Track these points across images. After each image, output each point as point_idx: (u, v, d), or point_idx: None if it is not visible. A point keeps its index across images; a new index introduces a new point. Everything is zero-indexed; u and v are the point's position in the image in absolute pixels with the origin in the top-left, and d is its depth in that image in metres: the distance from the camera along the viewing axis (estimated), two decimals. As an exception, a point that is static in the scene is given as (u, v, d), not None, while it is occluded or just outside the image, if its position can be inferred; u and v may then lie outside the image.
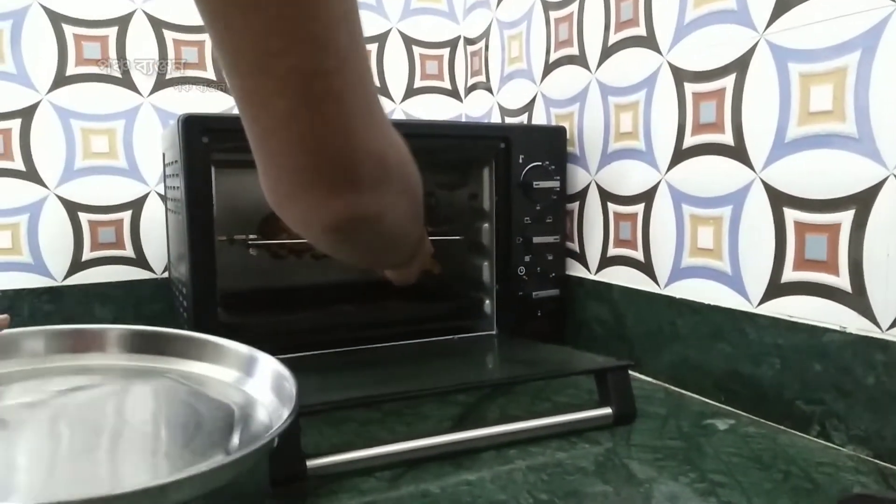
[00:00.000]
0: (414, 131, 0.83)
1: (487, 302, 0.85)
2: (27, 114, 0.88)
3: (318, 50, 0.29)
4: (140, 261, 0.94)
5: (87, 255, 0.92)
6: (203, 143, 0.68)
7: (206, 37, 0.95)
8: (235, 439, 0.44)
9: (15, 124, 0.87)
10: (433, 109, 1.10)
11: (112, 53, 0.91)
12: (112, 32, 0.91)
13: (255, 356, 0.53)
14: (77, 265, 0.91)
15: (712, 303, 0.68)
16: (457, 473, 0.52)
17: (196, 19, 0.83)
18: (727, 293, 0.66)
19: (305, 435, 0.58)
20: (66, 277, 0.91)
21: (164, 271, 0.95)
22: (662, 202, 0.73)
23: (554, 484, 0.50)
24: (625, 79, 0.77)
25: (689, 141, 0.70)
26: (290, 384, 0.47)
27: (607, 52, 0.80)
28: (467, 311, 0.87)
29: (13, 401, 0.48)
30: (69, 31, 0.89)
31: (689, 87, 0.69)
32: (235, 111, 0.88)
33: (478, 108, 1.08)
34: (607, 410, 0.61)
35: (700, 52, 0.68)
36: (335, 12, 0.29)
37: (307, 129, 0.30)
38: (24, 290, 0.88)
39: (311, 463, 0.50)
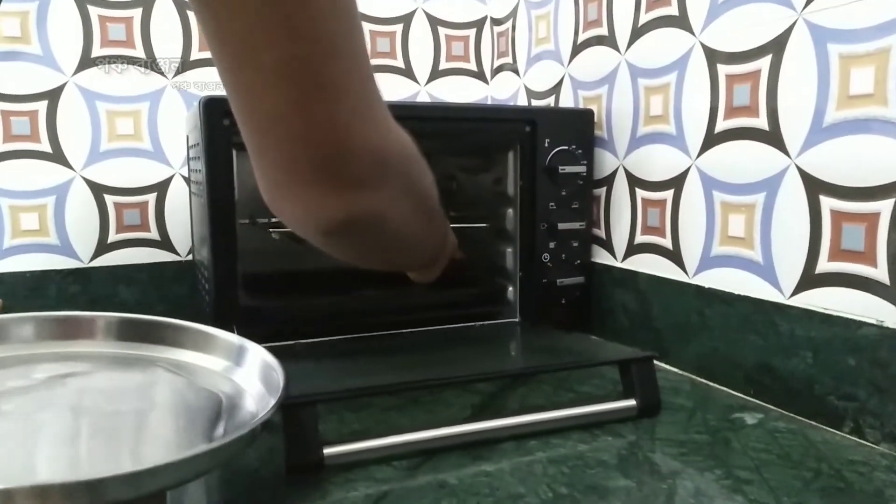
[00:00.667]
0: (437, 114, 0.82)
1: (511, 289, 0.84)
2: (53, 96, 0.88)
3: (306, 40, 0.28)
4: (164, 243, 0.94)
5: (113, 236, 0.92)
6: (224, 125, 0.68)
7: (230, 18, 0.94)
8: (220, 429, 0.43)
9: (41, 106, 0.88)
10: (459, 91, 1.08)
11: (137, 35, 0.91)
12: (137, 14, 0.91)
13: (245, 346, 0.53)
14: (103, 247, 0.92)
15: (742, 293, 0.66)
16: (475, 464, 0.51)
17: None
18: (758, 283, 0.64)
19: (326, 421, 0.58)
20: (92, 259, 0.91)
21: (188, 254, 0.95)
22: (692, 188, 0.71)
23: (574, 477, 0.49)
24: (655, 60, 0.75)
25: (722, 125, 0.67)
26: (279, 374, 0.46)
27: (637, 32, 0.77)
28: (490, 297, 0.85)
29: (1, 386, 0.48)
30: (94, 12, 0.89)
31: (723, 69, 0.67)
32: None
33: (504, 91, 1.06)
34: (631, 402, 0.60)
35: (734, 31, 0.65)
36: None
37: (298, 124, 0.29)
38: (51, 271, 0.89)
39: (327, 451, 0.50)
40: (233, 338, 0.54)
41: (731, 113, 0.66)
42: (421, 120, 0.84)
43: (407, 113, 0.80)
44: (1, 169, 0.87)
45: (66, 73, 0.88)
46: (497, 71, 1.08)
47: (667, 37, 0.73)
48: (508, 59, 1.04)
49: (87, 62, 0.89)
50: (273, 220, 0.85)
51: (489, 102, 1.09)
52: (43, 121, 0.88)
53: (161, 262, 0.94)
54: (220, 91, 0.94)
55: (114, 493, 0.31)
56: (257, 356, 0.51)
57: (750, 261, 0.65)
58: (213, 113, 0.67)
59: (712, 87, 0.68)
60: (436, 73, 1.07)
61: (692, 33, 0.70)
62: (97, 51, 0.89)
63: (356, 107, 0.30)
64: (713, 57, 0.68)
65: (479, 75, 1.09)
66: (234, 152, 0.69)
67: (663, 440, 0.56)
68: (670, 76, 0.73)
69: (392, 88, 1.04)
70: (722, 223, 0.68)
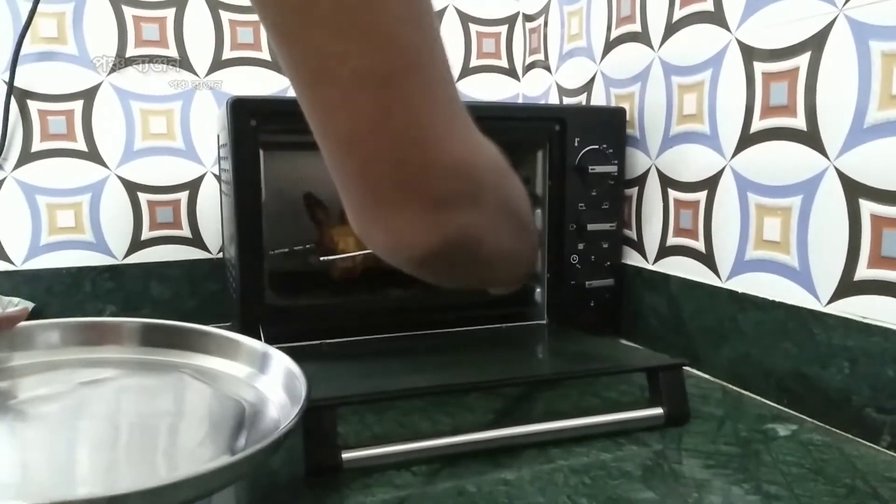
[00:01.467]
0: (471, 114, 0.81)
1: (538, 290, 0.83)
2: (89, 95, 0.89)
3: (385, 50, 0.26)
4: (196, 241, 0.96)
5: (146, 234, 0.94)
6: (251, 126, 0.68)
7: (261, 17, 0.95)
8: (243, 439, 0.43)
9: (77, 105, 0.89)
10: (489, 89, 1.07)
11: (170, 35, 0.92)
12: (170, 14, 0.91)
13: (269, 353, 0.53)
14: (137, 244, 0.93)
15: (777, 299, 0.64)
16: (495, 471, 0.51)
17: None
18: (794, 289, 0.62)
19: (348, 422, 0.58)
20: (126, 256, 0.93)
21: (219, 251, 0.96)
22: (726, 190, 0.69)
23: (596, 488, 0.48)
24: (690, 57, 0.73)
25: (758, 124, 0.65)
26: (301, 383, 0.46)
27: (671, 28, 0.75)
28: (517, 298, 0.84)
29: (30, 393, 0.49)
30: (128, 12, 0.90)
31: (759, 67, 0.64)
32: (288, 93, 0.88)
33: (535, 88, 1.04)
34: (658, 411, 0.58)
35: (771, 28, 0.63)
36: (400, 4, 0.26)
37: (380, 141, 0.27)
38: (86, 267, 0.91)
39: (346, 455, 0.50)
40: (257, 344, 0.54)
41: (768, 112, 0.64)
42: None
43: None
44: (38, 167, 0.88)
45: (101, 73, 0.90)
46: (528, 68, 1.06)
47: (702, 33, 0.71)
48: (540, 56, 1.02)
49: (124, 61, 0.90)
50: (307, 246, 0.86)
51: (520, 100, 1.08)
52: (79, 120, 0.89)
53: (193, 260, 0.95)
54: (250, 91, 0.95)
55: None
56: (281, 364, 0.51)
57: (785, 266, 0.63)
58: (241, 113, 0.67)
59: (748, 86, 0.65)
60: (466, 71, 1.06)
61: (728, 30, 0.67)
62: (131, 50, 0.90)
63: (440, 120, 0.28)
64: (749, 54, 0.65)
65: (511, 72, 1.08)
66: (262, 152, 0.70)
67: (690, 451, 0.54)
68: (705, 74, 0.71)
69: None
70: (757, 226, 0.66)
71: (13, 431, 0.44)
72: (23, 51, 0.86)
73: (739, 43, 0.66)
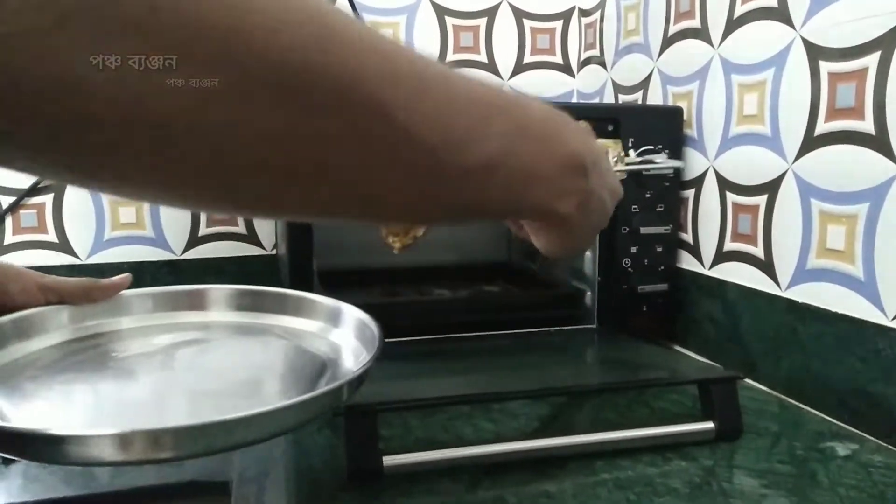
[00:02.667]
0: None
1: (589, 293, 0.81)
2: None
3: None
4: (251, 237, 0.97)
5: (203, 230, 0.96)
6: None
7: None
8: (323, 383, 0.46)
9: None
10: (543, 85, 1.05)
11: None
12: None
13: (340, 307, 0.56)
14: (194, 240, 0.96)
15: (840, 311, 0.61)
16: (538, 482, 0.50)
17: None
18: (858, 302, 0.59)
19: (392, 426, 0.58)
20: (184, 251, 0.95)
21: (272, 248, 0.98)
22: (788, 195, 0.66)
23: (640, 505, 0.47)
24: (751, 55, 0.70)
25: (822, 127, 0.62)
26: (373, 329, 0.49)
27: (732, 24, 0.72)
28: (567, 302, 0.83)
29: (131, 352, 0.52)
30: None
31: (825, 66, 0.61)
32: None
33: (590, 84, 1.02)
34: (709, 425, 0.56)
35: (839, 26, 0.59)
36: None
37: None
38: (146, 262, 0.94)
39: (387, 460, 0.50)
40: (329, 301, 0.57)
41: (834, 114, 0.60)
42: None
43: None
44: (102, 165, 0.92)
45: (161, 73, 0.92)
46: (584, 64, 1.04)
47: (764, 30, 0.68)
48: (595, 52, 1.00)
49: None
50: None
51: (575, 97, 1.06)
52: (140, 119, 0.92)
53: (248, 256, 0.97)
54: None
55: (237, 436, 0.34)
56: (352, 315, 0.54)
57: (850, 276, 0.60)
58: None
59: (813, 86, 0.62)
60: (520, 67, 1.04)
61: (792, 27, 0.64)
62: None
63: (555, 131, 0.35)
64: (815, 53, 0.62)
65: (565, 68, 1.06)
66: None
67: (742, 468, 0.52)
68: (767, 73, 0.68)
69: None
70: (819, 234, 0.63)
71: (116, 383, 0.47)
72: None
73: (804, 41, 0.63)
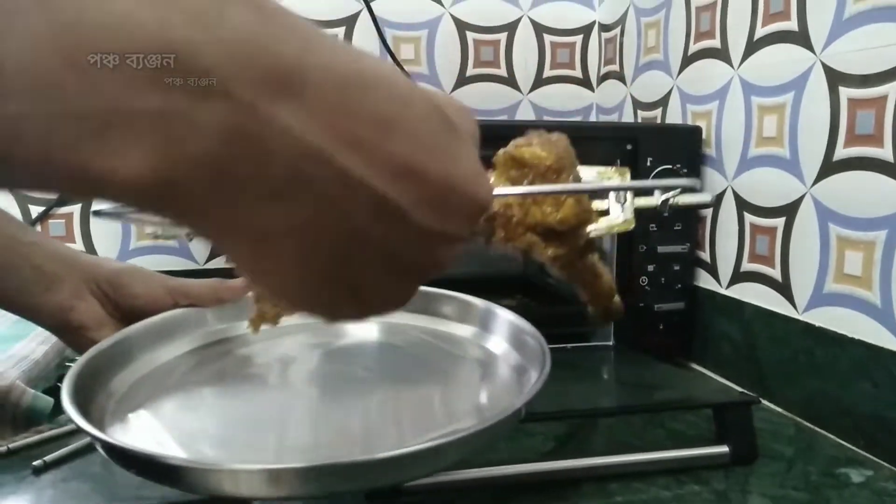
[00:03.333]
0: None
1: (606, 310, 0.82)
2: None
3: None
4: (272, 248, 0.99)
5: (226, 241, 0.98)
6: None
7: (339, 30, 0.97)
8: (483, 398, 0.43)
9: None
10: (562, 99, 1.06)
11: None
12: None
13: (493, 310, 0.52)
14: (215, 250, 0.97)
15: (856, 336, 0.61)
16: (552, 503, 0.51)
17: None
18: (875, 328, 0.59)
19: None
20: (207, 261, 0.97)
21: (293, 258, 0.99)
22: (806, 218, 0.66)
23: (653, 530, 0.47)
24: (771, 78, 0.70)
25: (841, 153, 0.62)
26: (536, 340, 0.45)
27: (752, 46, 0.72)
28: (583, 318, 0.83)
29: (267, 357, 0.50)
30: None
31: (845, 92, 0.61)
32: None
33: (610, 99, 1.02)
34: (724, 449, 0.57)
35: (859, 52, 0.60)
36: None
37: None
38: (171, 271, 0.96)
39: (405, 481, 0.51)
40: (480, 303, 0.54)
41: (853, 140, 0.61)
42: (519, 133, 0.83)
43: (506, 133, 0.79)
44: (129, 176, 0.94)
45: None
46: (603, 78, 1.05)
47: (784, 53, 0.68)
48: (615, 67, 1.00)
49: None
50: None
51: (594, 111, 1.06)
52: (166, 132, 0.94)
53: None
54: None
55: (393, 475, 0.32)
56: (505, 320, 0.50)
57: (866, 302, 0.60)
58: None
59: (832, 112, 0.63)
60: (539, 81, 1.05)
61: (812, 51, 0.65)
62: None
63: None
64: (835, 78, 0.62)
65: (585, 82, 1.06)
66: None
67: (756, 494, 0.53)
68: (786, 96, 0.68)
69: (494, 98, 1.04)
70: (837, 259, 0.63)
71: (264, 396, 0.45)
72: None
73: (824, 66, 0.63)
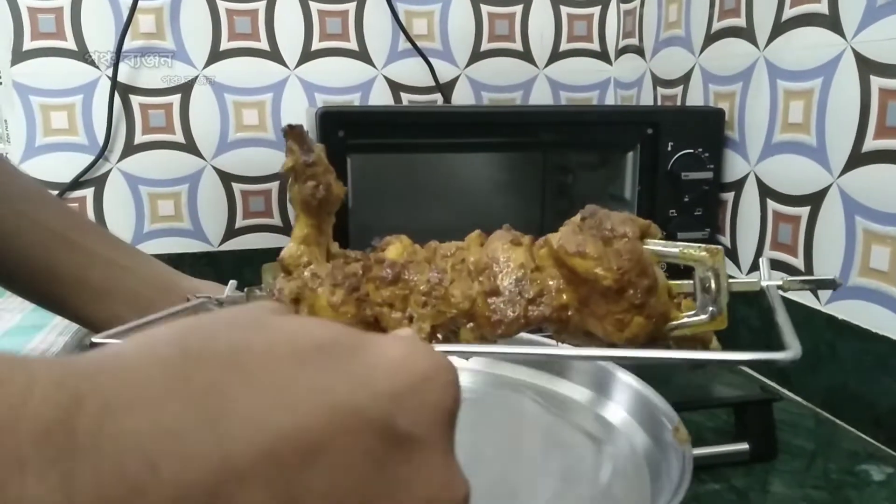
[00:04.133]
0: (553, 119, 0.79)
1: (624, 296, 0.81)
2: (186, 89, 0.92)
3: None
4: (287, 229, 0.99)
5: (240, 222, 0.97)
6: (339, 136, 0.69)
7: (349, 6, 0.95)
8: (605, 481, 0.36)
9: (175, 99, 0.92)
10: (579, 74, 1.03)
11: (261, 28, 0.93)
12: (261, 6, 0.92)
13: (612, 371, 0.47)
14: (231, 232, 0.97)
15: (880, 332, 0.60)
16: None
17: None
18: (900, 325, 0.58)
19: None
20: (221, 243, 0.97)
21: (308, 239, 0.99)
22: (832, 209, 0.65)
23: (674, 535, 0.48)
24: (799, 62, 0.68)
25: (871, 144, 0.60)
26: (670, 418, 0.38)
27: (779, 28, 0.70)
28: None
29: None
30: (222, 6, 0.91)
31: (876, 82, 0.59)
32: (374, 101, 0.84)
33: (628, 74, 1.00)
34: (744, 446, 0.57)
35: (892, 41, 0.57)
36: None
37: None
38: (185, 253, 0.96)
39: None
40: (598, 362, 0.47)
41: (883, 132, 0.59)
42: (537, 117, 0.81)
43: (525, 119, 0.78)
44: (140, 159, 0.93)
45: (197, 67, 0.92)
46: (621, 52, 1.02)
47: (813, 37, 0.66)
48: (634, 41, 0.98)
49: (216, 55, 0.92)
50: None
51: (611, 85, 1.04)
52: (177, 113, 0.93)
53: (284, 248, 0.98)
54: (344, 80, 0.95)
55: None
56: (628, 387, 0.44)
57: (891, 298, 0.59)
58: (329, 125, 0.68)
59: (863, 101, 0.61)
60: (556, 56, 1.02)
61: (843, 37, 0.62)
62: (225, 44, 0.92)
63: None
64: (866, 66, 0.60)
65: (603, 55, 1.04)
66: (349, 160, 0.70)
67: (775, 495, 0.53)
68: (814, 82, 0.66)
69: (508, 73, 1.01)
70: (863, 253, 0.62)
71: None
72: (125, 46, 0.89)
73: (855, 52, 0.61)
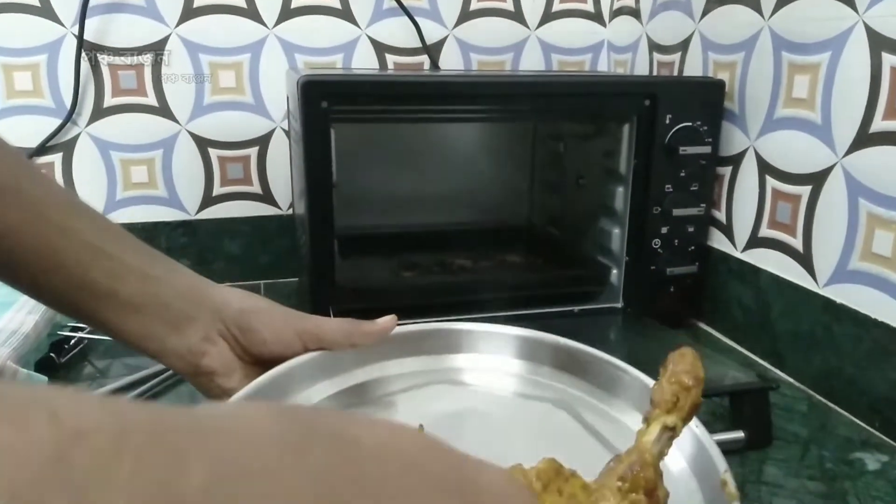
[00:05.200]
0: (548, 89, 0.76)
1: (615, 272, 0.79)
2: (158, 48, 0.87)
3: None
4: (266, 197, 0.95)
5: (218, 190, 0.93)
6: (322, 107, 0.65)
7: (331, -39, 0.89)
8: None
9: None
10: (572, 36, 0.99)
11: (237, -17, 0.87)
12: (237, -41, 0.87)
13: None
14: (209, 200, 0.93)
15: (879, 318, 0.59)
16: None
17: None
18: (901, 312, 0.57)
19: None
20: (198, 211, 0.93)
21: (288, 208, 0.95)
22: (834, 190, 0.63)
23: (671, 531, 0.47)
24: (806, 33, 0.65)
25: (879, 125, 0.58)
26: (721, 469, 0.34)
27: (787, -4, 0.67)
28: (592, 278, 0.81)
29: (409, 415, 0.44)
30: (194, -41, 0.86)
31: (888, 59, 0.57)
32: (358, 68, 0.80)
33: (623, 37, 0.96)
34: (739, 434, 0.56)
35: (910, 17, 0.54)
36: None
37: None
38: (160, 223, 0.92)
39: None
40: (642, 377, 0.44)
41: (893, 113, 0.56)
42: (530, 87, 0.78)
43: (517, 89, 0.74)
44: (111, 122, 0.88)
45: (169, 25, 0.87)
46: (616, 14, 0.98)
47: (823, 8, 0.62)
48: (630, 2, 0.94)
49: (189, 12, 0.87)
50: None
51: (605, 49, 1.00)
52: (149, 73, 0.88)
53: (263, 216, 0.95)
54: (324, 40, 0.90)
55: None
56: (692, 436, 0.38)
57: (893, 285, 0.58)
58: (312, 96, 0.64)
59: (873, 78, 0.58)
60: (548, 16, 0.98)
61: (855, 9, 0.59)
62: (199, 0, 0.87)
63: None
64: (878, 42, 0.57)
65: (597, 17, 0.99)
66: (333, 131, 0.67)
67: (770, 485, 0.52)
68: (822, 56, 0.63)
69: (499, 34, 0.97)
70: (866, 236, 0.60)
71: None
72: (91, 2, 0.83)
73: (867, 27, 0.58)
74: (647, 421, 0.33)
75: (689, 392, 0.32)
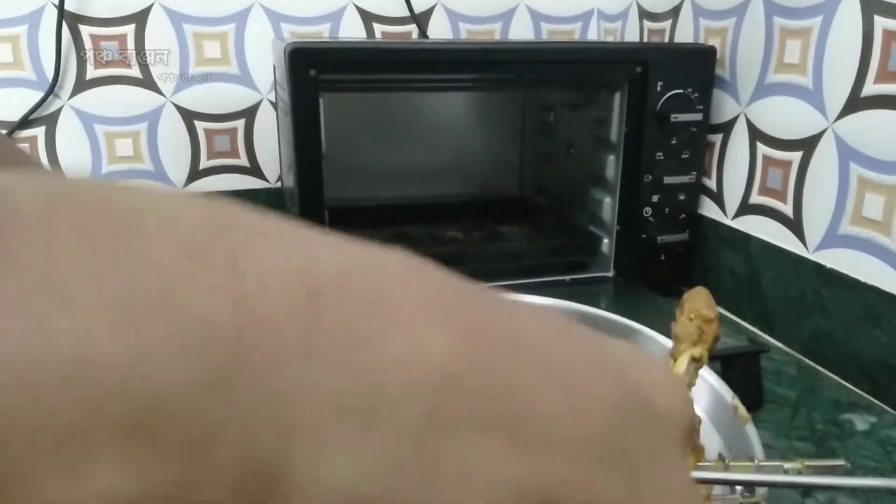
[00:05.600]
0: (539, 56, 0.75)
1: (606, 241, 0.79)
2: (140, 18, 0.85)
3: None
4: (254, 170, 0.94)
5: (204, 163, 0.92)
6: (311, 76, 0.64)
7: (316, -73, 0.87)
8: None
9: (129, 30, 0.85)
10: (560, 4, 0.98)
11: (220, -49, 0.86)
12: (219, -74, 0.85)
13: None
14: (195, 173, 0.92)
15: (870, 282, 0.59)
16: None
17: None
18: (891, 275, 0.57)
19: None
20: (185, 185, 0.92)
21: (277, 181, 0.95)
22: (825, 155, 0.63)
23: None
24: (797, -3, 0.64)
25: (871, 88, 0.58)
26: (729, 398, 0.38)
27: (779, -41, 0.66)
28: (583, 248, 0.81)
29: None
30: (176, -74, 0.84)
31: (881, 22, 0.56)
32: (346, 37, 0.80)
33: (613, 4, 0.95)
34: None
35: (903, -22, 0.54)
36: None
37: None
38: (148, 197, 0.91)
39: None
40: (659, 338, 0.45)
41: (885, 76, 0.56)
42: (520, 54, 0.77)
43: (506, 56, 0.73)
44: (94, 95, 0.87)
45: (151, -6, 0.85)
46: (606, -19, 0.97)
47: (815, -29, 0.62)
48: (620, -31, 0.93)
49: (171, -19, 0.85)
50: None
51: (594, 15, 0.99)
52: (131, 44, 0.86)
53: (252, 189, 0.94)
54: (305, 25, 0.89)
55: None
56: (706, 387, 0.42)
57: (883, 248, 0.58)
58: (300, 63, 0.63)
59: (864, 42, 0.58)
60: (537, -16, 0.97)
61: (848, -28, 0.59)
62: (181, -31, 0.85)
63: None
64: (870, 5, 0.57)
65: (586, -16, 0.99)
66: (321, 100, 0.66)
67: (762, 447, 0.52)
68: (814, 20, 0.63)
69: (487, 2, 0.96)
70: (856, 201, 0.60)
71: None
72: (70, -29, 0.81)
73: (860, -11, 0.58)
74: (673, 356, 0.34)
75: (711, 324, 0.34)
